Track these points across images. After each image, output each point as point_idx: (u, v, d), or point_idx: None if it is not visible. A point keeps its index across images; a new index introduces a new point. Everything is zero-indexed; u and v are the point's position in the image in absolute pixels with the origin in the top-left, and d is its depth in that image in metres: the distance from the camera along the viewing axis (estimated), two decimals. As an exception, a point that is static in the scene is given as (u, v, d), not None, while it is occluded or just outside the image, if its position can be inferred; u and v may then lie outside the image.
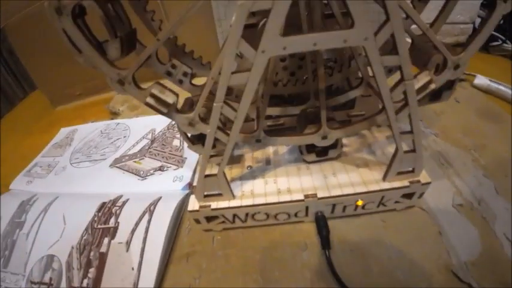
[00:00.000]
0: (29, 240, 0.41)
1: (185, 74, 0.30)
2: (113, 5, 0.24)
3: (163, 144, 0.51)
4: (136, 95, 0.25)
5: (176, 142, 0.51)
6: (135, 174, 0.46)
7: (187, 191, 0.42)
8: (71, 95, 0.74)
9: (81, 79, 0.71)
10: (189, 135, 0.31)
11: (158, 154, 0.49)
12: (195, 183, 0.36)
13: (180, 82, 0.31)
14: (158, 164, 0.47)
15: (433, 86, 0.28)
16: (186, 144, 0.50)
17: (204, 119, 0.27)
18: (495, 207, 0.36)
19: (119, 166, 0.49)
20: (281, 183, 0.35)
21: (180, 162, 0.47)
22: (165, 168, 0.46)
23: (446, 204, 0.37)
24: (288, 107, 0.35)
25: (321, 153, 0.35)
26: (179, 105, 0.27)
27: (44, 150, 0.61)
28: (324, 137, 0.31)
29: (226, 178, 0.31)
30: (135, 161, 0.49)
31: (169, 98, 0.24)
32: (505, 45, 0.67)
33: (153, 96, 0.24)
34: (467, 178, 0.40)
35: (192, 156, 0.47)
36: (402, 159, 0.31)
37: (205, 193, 0.33)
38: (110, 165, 0.50)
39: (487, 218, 0.35)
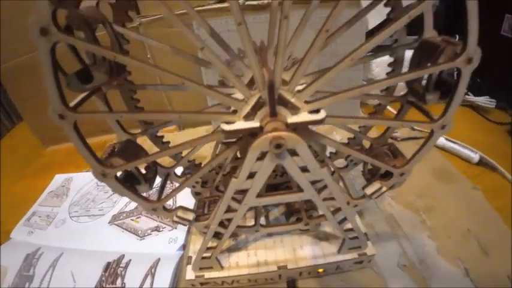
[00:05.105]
0: (40, 296, 0.48)
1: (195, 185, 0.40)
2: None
3: (157, 202, 0.59)
4: (166, 216, 0.34)
5: (170, 201, 0.58)
6: (134, 233, 0.54)
7: (182, 252, 0.50)
8: (63, 137, 0.78)
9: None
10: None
11: (154, 213, 0.56)
12: (190, 254, 0.45)
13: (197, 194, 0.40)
14: (154, 224, 0.55)
15: (384, 189, 0.37)
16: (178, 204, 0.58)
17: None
18: (434, 266, 0.43)
19: (117, 224, 0.56)
20: (260, 255, 0.44)
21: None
22: (160, 229, 0.54)
23: (392, 264, 0.44)
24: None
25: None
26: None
27: (41, 198, 0.66)
28: (306, 224, 0.43)
29: (218, 260, 0.40)
30: (132, 219, 0.56)
31: (190, 216, 0.35)
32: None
33: (178, 216, 0.34)
34: (413, 239, 0.48)
35: (184, 217, 0.55)
36: (350, 243, 0.42)
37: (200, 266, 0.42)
38: (109, 222, 0.57)
39: (425, 277, 0.42)
